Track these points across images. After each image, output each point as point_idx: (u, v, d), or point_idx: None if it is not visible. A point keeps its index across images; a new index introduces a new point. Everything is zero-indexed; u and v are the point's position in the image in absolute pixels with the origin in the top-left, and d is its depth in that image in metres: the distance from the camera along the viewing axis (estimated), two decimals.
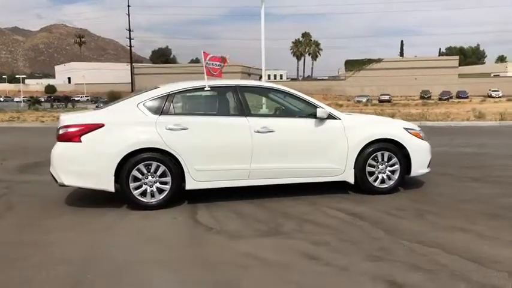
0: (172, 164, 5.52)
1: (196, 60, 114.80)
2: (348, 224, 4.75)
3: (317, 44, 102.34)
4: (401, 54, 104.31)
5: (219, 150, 5.66)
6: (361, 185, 6.03)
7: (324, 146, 5.93)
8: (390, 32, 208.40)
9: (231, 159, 5.69)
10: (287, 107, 6.23)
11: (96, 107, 6.89)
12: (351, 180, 6.00)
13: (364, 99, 56.42)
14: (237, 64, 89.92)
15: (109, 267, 3.68)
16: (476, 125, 18.37)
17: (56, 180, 5.58)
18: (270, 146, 5.74)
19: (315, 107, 5.99)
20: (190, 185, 5.61)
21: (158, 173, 5.51)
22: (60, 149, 5.50)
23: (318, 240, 4.24)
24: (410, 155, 6.11)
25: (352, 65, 78.61)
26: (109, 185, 5.43)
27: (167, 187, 5.53)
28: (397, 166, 6.09)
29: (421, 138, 6.29)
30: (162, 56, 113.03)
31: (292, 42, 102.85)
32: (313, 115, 5.94)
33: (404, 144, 6.09)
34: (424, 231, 4.44)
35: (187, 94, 6.00)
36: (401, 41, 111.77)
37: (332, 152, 5.93)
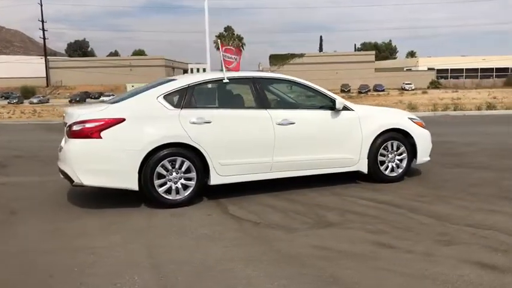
0: (196, 159, 5.33)
1: (115, 53, 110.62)
2: (388, 212, 4.88)
3: (240, 38, 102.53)
4: (321, 49, 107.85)
5: (242, 144, 5.56)
6: (373, 174, 6.21)
7: (341, 137, 6.03)
8: (310, 28, 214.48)
9: (255, 153, 5.61)
10: (304, 99, 6.24)
11: (101, 101, 6.41)
12: (365, 169, 6.16)
13: None
14: (159, 57, 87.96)
15: (196, 269, 3.50)
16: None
17: (70, 180, 5.17)
18: (291, 138, 5.73)
19: (331, 98, 6.07)
20: (215, 180, 5.45)
21: (183, 168, 5.30)
22: (77, 146, 5.10)
23: (374, 230, 4.32)
24: (416, 144, 6.39)
25: (277, 59, 79.91)
26: (133, 183, 5.13)
27: (192, 183, 5.34)
28: (404, 155, 6.34)
29: (424, 128, 6.59)
30: (79, 49, 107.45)
31: (216, 36, 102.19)
32: (329, 107, 6.02)
33: (411, 134, 6.36)
34: (464, 216, 4.67)
35: (207, 86, 5.82)
36: (321, 37, 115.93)
37: (348, 142, 6.05)
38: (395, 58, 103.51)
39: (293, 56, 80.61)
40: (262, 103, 5.77)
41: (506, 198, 5.35)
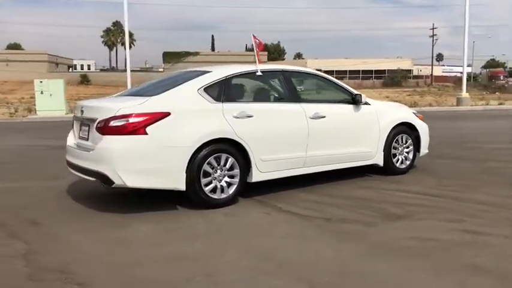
0: (239, 155, 5.06)
1: None
2: (437, 202, 5.05)
3: (130, 34, 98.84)
4: (213, 48, 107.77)
5: (281, 138, 5.40)
6: (386, 167, 6.41)
7: (364, 131, 6.14)
8: (202, 27, 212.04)
9: (291, 147, 5.49)
10: (329, 93, 6.21)
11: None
12: (381, 162, 6.33)
13: None
14: (41, 52, 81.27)
15: (334, 270, 3.31)
16: None
17: (107, 182, 4.58)
18: (322, 132, 5.70)
19: (352, 93, 6.14)
20: (256, 176, 5.22)
21: (227, 166, 4.99)
22: (118, 144, 4.54)
23: (447, 218, 4.44)
24: (420, 136, 6.74)
25: (171, 57, 78.27)
26: (180, 183, 4.72)
27: (236, 181, 5.06)
28: (411, 147, 6.65)
29: (423, 121, 6.97)
30: None
31: (103, 31, 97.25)
32: (349, 101, 6.07)
33: (417, 127, 6.68)
34: (508, 203, 5.02)
35: (243, 79, 5.53)
36: (212, 36, 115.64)
37: (369, 136, 6.18)
38: (283, 59, 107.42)
39: (188, 54, 79.76)
40: (294, 96, 5.66)
41: None
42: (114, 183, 4.56)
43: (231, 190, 5.03)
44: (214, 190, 4.92)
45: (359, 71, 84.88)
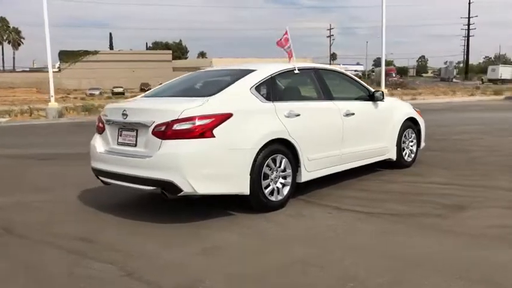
0: (291, 155, 4.94)
1: None
2: (474, 191, 5.33)
3: (17, 32, 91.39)
4: (111, 47, 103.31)
5: (323, 137, 5.37)
6: (398, 161, 6.63)
7: (382, 126, 6.31)
8: (99, 24, 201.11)
9: (331, 145, 5.48)
10: (351, 90, 6.25)
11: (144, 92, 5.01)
12: (394, 157, 6.54)
13: (97, 92, 54.76)
14: None
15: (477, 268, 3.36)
16: None
17: (174, 190, 4.21)
18: (353, 129, 5.76)
19: (369, 90, 6.27)
20: (305, 176, 5.13)
21: (282, 166, 4.84)
22: (187, 148, 4.20)
23: (500, 206, 4.74)
24: (421, 130, 7.09)
25: (68, 56, 73.41)
26: (245, 187, 4.48)
27: (289, 181, 4.93)
28: (415, 141, 6.96)
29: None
30: None
31: None
32: (366, 98, 6.19)
33: (419, 122, 7.02)
34: None
35: (283, 78, 5.37)
36: (110, 34, 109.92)
37: (386, 131, 6.37)
38: (186, 58, 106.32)
39: (87, 52, 75.41)
40: (328, 94, 5.66)
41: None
42: (181, 191, 4.20)
43: (285, 191, 4.88)
44: (271, 192, 4.75)
45: None
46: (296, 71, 5.43)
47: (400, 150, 6.59)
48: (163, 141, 4.25)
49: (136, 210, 4.95)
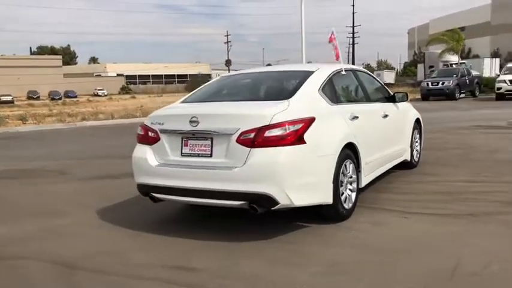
0: (354, 159, 4.75)
1: None
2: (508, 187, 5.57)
3: None
4: None
5: (374, 140, 5.26)
6: (410, 162, 6.72)
7: (403, 128, 6.37)
8: None
9: (378, 148, 5.38)
10: (378, 92, 6.16)
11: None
12: (409, 157, 6.62)
13: None
14: None
15: None
16: None
17: (269, 203, 3.80)
18: (389, 131, 5.76)
19: (388, 91, 6.29)
20: (363, 181, 4.95)
21: (350, 172, 4.63)
22: (283, 157, 3.81)
23: None
24: (422, 131, 7.29)
25: None
26: (329, 196, 4.18)
27: (354, 187, 4.72)
28: (419, 141, 7.14)
29: None
30: None
31: None
32: (387, 99, 6.20)
33: (421, 123, 7.21)
34: None
35: (336, 79, 5.12)
36: None
37: (405, 133, 6.43)
38: (76, 63, 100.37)
39: None
40: (368, 96, 5.56)
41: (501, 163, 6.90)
42: (277, 204, 3.79)
43: (353, 198, 4.67)
44: (345, 200, 4.52)
45: (162, 75, 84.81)
46: (343, 72, 5.24)
47: (412, 151, 6.70)
48: (252, 149, 3.80)
49: (192, 227, 4.43)
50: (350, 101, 5.24)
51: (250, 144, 3.80)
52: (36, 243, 4.23)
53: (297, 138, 3.86)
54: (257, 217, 4.39)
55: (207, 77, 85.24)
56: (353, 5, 67.29)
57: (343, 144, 4.37)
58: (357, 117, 4.84)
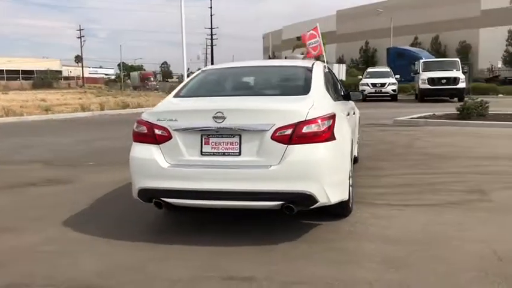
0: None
1: None
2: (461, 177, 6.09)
3: None
4: None
5: (352, 136, 5.34)
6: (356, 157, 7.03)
7: (355, 125, 6.62)
8: None
9: (354, 144, 5.51)
10: (340, 89, 6.24)
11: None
12: (356, 153, 6.91)
13: None
14: None
15: None
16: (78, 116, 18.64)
17: (308, 202, 3.64)
18: (352, 128, 5.90)
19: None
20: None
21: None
22: (322, 153, 3.69)
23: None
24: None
25: None
26: (346, 192, 4.13)
27: (351, 183, 4.73)
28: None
29: None
30: None
31: None
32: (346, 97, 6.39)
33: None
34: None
35: (327, 75, 5.04)
36: None
37: (356, 130, 6.70)
38: None
39: None
40: (340, 94, 5.65)
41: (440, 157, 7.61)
42: (317, 202, 3.63)
43: (351, 194, 4.70)
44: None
45: (3, 70, 75.77)
46: (326, 69, 5.23)
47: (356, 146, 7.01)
48: (289, 146, 3.59)
49: (197, 232, 4.01)
50: (337, 98, 5.28)
51: (287, 141, 3.59)
52: (20, 267, 3.42)
53: (331, 134, 3.75)
54: (257, 217, 4.24)
55: (58, 74, 78.69)
56: (211, 7, 68.34)
57: (351, 140, 4.39)
58: (348, 114, 4.90)
